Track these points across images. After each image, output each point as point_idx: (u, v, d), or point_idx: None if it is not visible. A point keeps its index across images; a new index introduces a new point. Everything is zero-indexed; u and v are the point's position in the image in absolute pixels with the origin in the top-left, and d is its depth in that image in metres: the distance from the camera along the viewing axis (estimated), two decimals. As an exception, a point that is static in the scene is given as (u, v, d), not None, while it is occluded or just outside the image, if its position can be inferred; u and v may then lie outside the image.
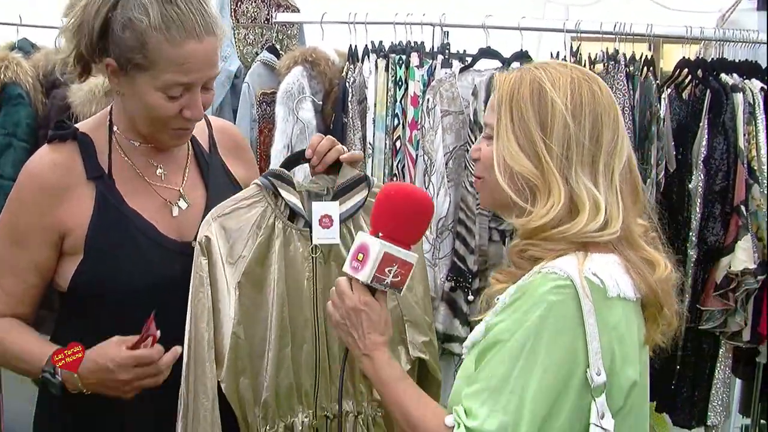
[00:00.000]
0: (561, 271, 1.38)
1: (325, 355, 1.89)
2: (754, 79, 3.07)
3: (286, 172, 1.86)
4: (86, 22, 1.70)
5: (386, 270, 1.54)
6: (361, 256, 1.55)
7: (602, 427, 1.38)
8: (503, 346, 1.38)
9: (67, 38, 1.75)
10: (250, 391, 1.82)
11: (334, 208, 1.83)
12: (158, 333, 1.68)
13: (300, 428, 1.88)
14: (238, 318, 1.78)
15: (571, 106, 1.44)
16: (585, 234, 1.41)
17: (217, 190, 1.89)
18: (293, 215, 1.86)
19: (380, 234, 1.55)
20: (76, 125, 1.85)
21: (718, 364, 3.10)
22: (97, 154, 1.80)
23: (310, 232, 1.85)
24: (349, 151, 1.94)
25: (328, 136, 1.91)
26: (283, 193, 1.83)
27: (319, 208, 1.84)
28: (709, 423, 3.14)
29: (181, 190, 1.87)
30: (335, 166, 1.90)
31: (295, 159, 1.93)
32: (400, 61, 3.06)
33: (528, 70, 1.50)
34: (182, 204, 1.86)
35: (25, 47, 3.20)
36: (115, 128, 1.84)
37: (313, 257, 1.86)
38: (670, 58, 3.38)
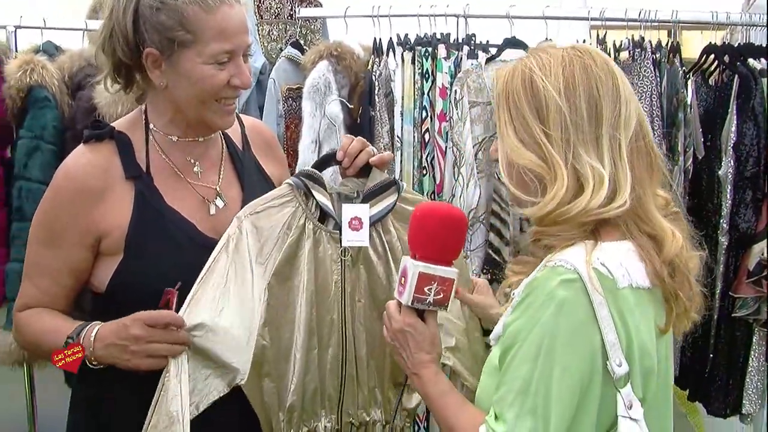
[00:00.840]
0: (568, 263, 1.35)
1: (351, 359, 1.87)
2: (782, 63, 3.05)
3: (318, 173, 1.84)
4: (117, 27, 1.71)
5: (425, 289, 1.55)
6: (403, 279, 1.58)
7: (631, 417, 1.36)
8: (521, 346, 1.37)
9: (102, 52, 1.76)
10: (275, 395, 1.80)
11: (364, 211, 1.82)
12: (176, 298, 1.67)
13: None
14: (264, 320, 1.77)
15: (564, 88, 1.40)
16: (590, 211, 1.37)
17: (252, 188, 1.88)
18: (323, 217, 1.84)
19: (417, 255, 1.57)
20: (112, 124, 1.84)
21: (752, 352, 3.06)
22: (134, 152, 1.80)
23: (340, 234, 1.83)
24: (377, 148, 1.94)
25: (359, 138, 1.89)
26: (315, 193, 1.82)
27: (349, 211, 1.83)
28: (744, 411, 3.11)
29: (218, 189, 1.86)
30: (365, 169, 1.89)
31: (326, 160, 1.91)
32: (426, 54, 3.06)
33: (521, 61, 1.48)
34: (219, 203, 1.85)
35: (50, 50, 3.21)
36: (151, 125, 1.83)
37: (342, 259, 1.84)
38: (688, 44, 3.37)
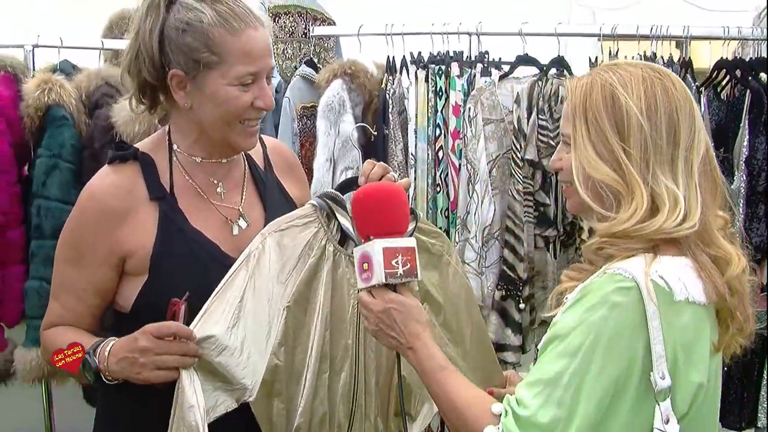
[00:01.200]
0: (626, 272, 1.38)
1: (362, 387, 1.88)
2: (794, 78, 3.06)
3: (341, 195, 1.87)
4: (143, 47, 1.75)
5: (393, 263, 1.60)
6: (366, 265, 1.62)
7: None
8: (562, 341, 1.39)
9: (128, 74, 1.80)
10: (284, 416, 1.81)
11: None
12: (182, 309, 1.67)
13: None
14: (279, 340, 1.78)
15: (645, 108, 1.44)
16: (664, 230, 1.41)
17: (274, 208, 1.91)
18: (343, 239, 1.86)
19: (371, 236, 1.62)
20: (136, 145, 1.87)
21: (767, 365, 3.07)
22: (158, 173, 1.83)
23: None
24: (391, 166, 1.95)
25: (381, 163, 1.90)
26: (338, 216, 1.83)
27: None
28: (759, 425, 3.11)
29: (241, 209, 1.89)
30: None
31: (348, 184, 1.93)
32: (440, 71, 3.08)
33: (598, 74, 1.50)
34: (242, 223, 1.88)
35: (67, 69, 3.23)
36: (175, 147, 1.86)
37: None
38: (696, 55, 3.37)
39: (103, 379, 1.70)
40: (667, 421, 1.38)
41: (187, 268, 1.78)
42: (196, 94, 1.77)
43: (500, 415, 1.42)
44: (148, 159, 1.83)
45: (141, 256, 1.78)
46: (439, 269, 1.95)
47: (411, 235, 1.74)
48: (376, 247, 1.60)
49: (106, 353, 1.69)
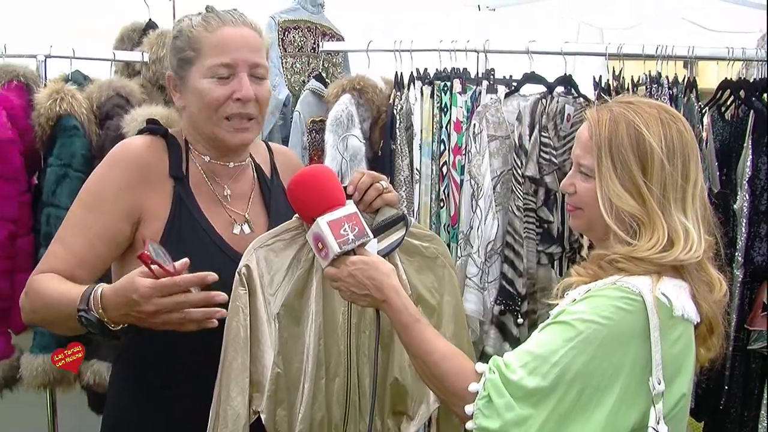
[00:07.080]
0: (634, 287, 1.53)
1: (355, 388, 1.92)
2: (797, 99, 3.08)
3: None
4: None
5: (341, 232, 1.70)
6: (320, 244, 1.71)
7: (657, 431, 1.52)
8: (563, 325, 1.53)
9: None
10: (285, 423, 1.85)
11: (373, 245, 1.85)
12: (165, 260, 1.63)
13: None
14: (277, 349, 1.82)
15: (666, 149, 1.59)
16: (678, 260, 1.56)
17: (278, 216, 1.95)
18: None
19: (314, 218, 1.71)
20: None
21: (767, 384, 3.08)
22: (181, 156, 1.91)
23: None
24: (397, 180, 2.00)
25: (370, 172, 1.95)
26: None
27: None
28: (759, 443, 3.13)
29: (247, 216, 1.95)
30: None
31: None
32: (445, 88, 3.11)
33: (620, 112, 1.63)
34: (246, 228, 1.93)
35: (78, 79, 3.26)
36: (189, 143, 1.94)
37: None
38: (704, 75, 3.39)
39: (108, 327, 1.68)
40: (659, 422, 1.52)
41: (194, 252, 1.77)
42: (186, 93, 1.88)
43: (482, 373, 1.55)
44: (174, 141, 1.92)
45: (153, 228, 1.83)
46: (435, 271, 2.00)
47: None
48: (321, 224, 1.69)
49: (100, 309, 1.66)
